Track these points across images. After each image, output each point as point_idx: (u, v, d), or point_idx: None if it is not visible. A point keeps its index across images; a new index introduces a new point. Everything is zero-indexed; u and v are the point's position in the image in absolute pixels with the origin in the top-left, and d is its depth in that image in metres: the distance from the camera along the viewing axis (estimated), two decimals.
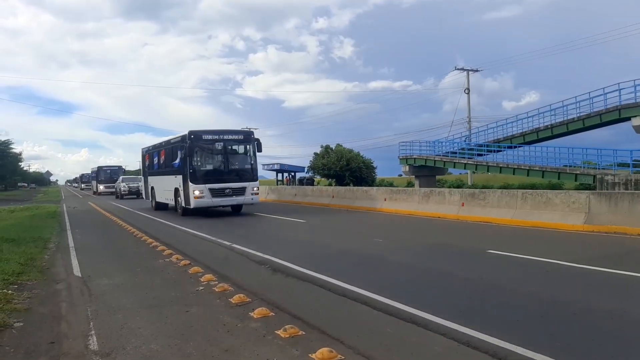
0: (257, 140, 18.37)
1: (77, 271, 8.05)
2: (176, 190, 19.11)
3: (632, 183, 22.47)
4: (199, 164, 17.84)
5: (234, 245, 10.30)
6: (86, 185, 74.09)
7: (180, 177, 18.44)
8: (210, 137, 17.74)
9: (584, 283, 6.63)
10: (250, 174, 18.32)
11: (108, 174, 50.15)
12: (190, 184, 17.31)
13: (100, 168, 52.14)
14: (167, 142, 20.96)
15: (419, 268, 7.86)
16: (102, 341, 4.59)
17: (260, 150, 18.37)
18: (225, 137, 18.02)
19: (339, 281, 6.68)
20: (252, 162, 18.57)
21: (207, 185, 17.35)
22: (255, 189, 18.22)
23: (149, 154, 24.59)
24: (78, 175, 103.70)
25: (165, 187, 20.80)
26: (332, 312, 5.46)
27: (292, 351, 4.21)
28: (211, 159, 18.30)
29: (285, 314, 5.27)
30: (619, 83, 26.77)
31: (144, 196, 25.96)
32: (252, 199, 18.14)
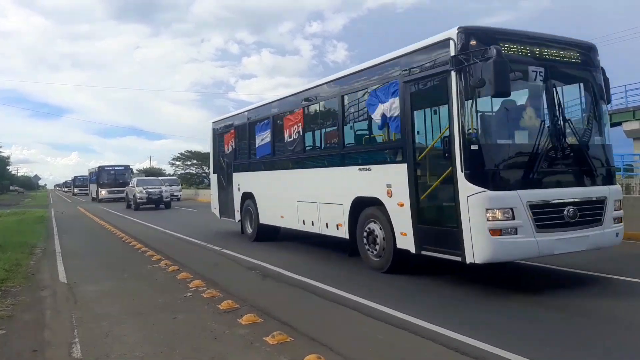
0: (603, 71, 7.09)
1: (62, 277, 7.92)
2: (362, 205, 7.88)
3: (624, 187, 22.65)
4: (496, 127, 6.55)
5: (224, 251, 10.22)
6: (80, 190, 63.52)
7: (396, 169, 7.02)
8: (518, 49, 6.23)
9: (579, 289, 6.57)
10: (606, 163, 6.90)
11: (112, 176, 40.98)
12: (469, 187, 5.80)
13: (102, 168, 42.48)
14: (327, 85, 9.06)
15: (410, 272, 7.78)
16: (86, 349, 4.48)
17: (609, 99, 7.42)
18: (550, 53, 6.48)
19: (329, 287, 6.61)
20: (604, 126, 7.13)
21: (523, 192, 5.85)
22: (617, 204, 6.74)
23: (236, 128, 12.75)
24: (70, 178, 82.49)
25: (303, 194, 9.49)
26: (321, 318, 5.39)
27: (280, 358, 4.13)
28: (526, 116, 6.68)
29: (274, 320, 5.18)
30: (637, 83, 26.97)
31: (216, 211, 14.16)
32: (616, 233, 6.65)
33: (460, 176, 5.91)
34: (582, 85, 7.01)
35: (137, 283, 7.35)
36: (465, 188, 5.86)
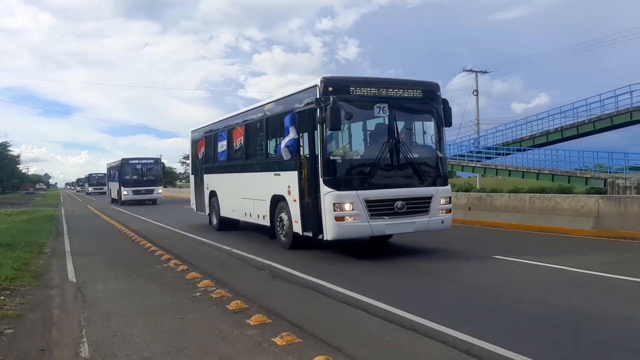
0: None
1: (72, 276, 7.93)
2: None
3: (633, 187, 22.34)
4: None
5: (234, 250, 10.20)
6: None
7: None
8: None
9: (592, 290, 6.49)
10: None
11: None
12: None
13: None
14: None
15: (422, 273, 7.71)
16: (94, 348, 4.47)
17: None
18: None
19: (339, 287, 6.55)
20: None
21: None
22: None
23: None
24: (84, 175, 64.16)
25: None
26: (331, 319, 5.33)
27: (289, 359, 4.09)
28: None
29: (282, 321, 5.14)
30: (630, 85, 26.54)
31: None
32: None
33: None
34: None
35: (146, 282, 7.34)
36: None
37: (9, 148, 70.74)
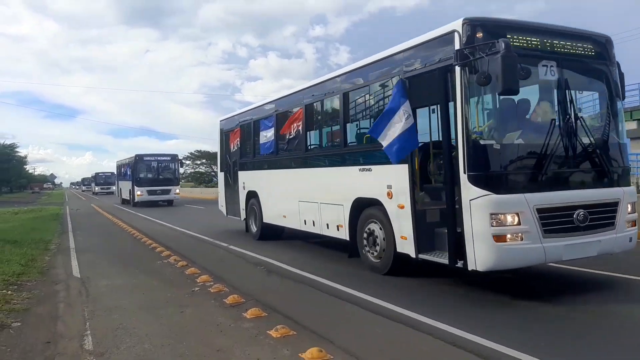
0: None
1: (76, 272, 8.14)
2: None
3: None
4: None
5: (232, 247, 10.40)
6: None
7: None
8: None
9: (589, 287, 6.51)
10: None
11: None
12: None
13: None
14: None
15: (421, 273, 7.79)
16: (97, 341, 4.65)
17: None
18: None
19: (332, 283, 6.75)
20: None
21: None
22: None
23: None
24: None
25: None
26: (324, 312, 5.53)
27: (283, 351, 4.26)
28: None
29: (278, 314, 5.32)
30: (635, 84, 26.28)
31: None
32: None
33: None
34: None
35: (147, 278, 7.54)
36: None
37: (17, 149, 72.04)
